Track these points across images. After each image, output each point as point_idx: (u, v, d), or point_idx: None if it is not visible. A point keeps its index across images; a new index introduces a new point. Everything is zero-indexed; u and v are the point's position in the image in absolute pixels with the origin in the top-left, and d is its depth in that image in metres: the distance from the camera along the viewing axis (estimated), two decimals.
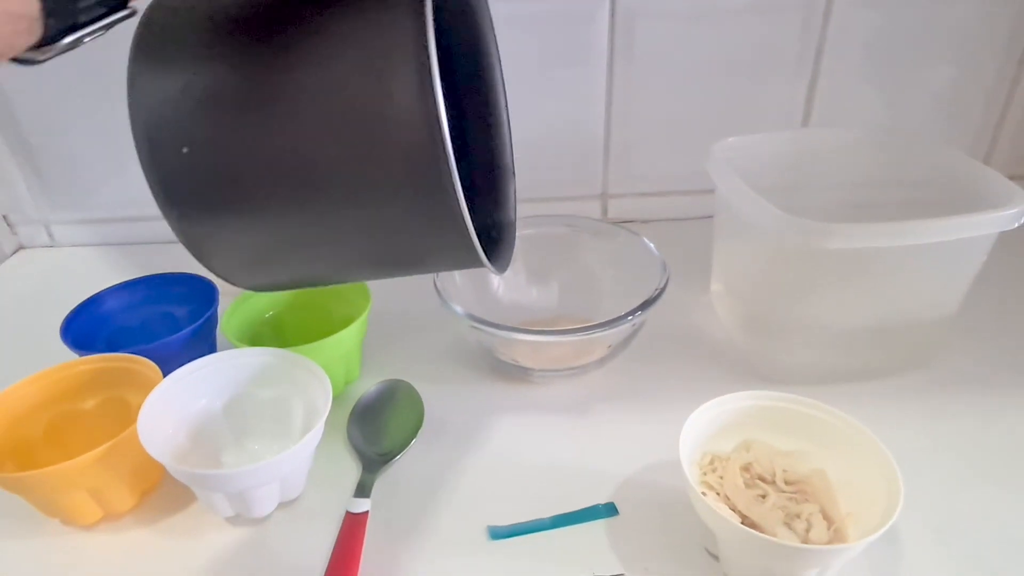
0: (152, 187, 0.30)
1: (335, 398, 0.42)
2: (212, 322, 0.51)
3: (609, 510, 0.42)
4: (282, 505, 0.42)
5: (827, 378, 0.50)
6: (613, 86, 0.67)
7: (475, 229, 0.28)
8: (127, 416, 0.43)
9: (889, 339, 0.49)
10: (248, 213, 0.29)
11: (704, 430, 0.39)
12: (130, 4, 0.26)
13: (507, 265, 0.37)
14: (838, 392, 0.45)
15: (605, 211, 0.74)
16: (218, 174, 0.28)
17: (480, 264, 0.31)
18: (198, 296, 0.52)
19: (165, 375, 0.43)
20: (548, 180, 0.72)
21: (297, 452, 0.39)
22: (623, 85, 0.67)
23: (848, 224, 0.42)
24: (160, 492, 0.44)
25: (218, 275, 0.34)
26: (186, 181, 0.29)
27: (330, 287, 0.53)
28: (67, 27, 0.24)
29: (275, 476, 0.39)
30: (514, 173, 0.43)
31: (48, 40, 0.23)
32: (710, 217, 0.57)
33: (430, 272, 0.35)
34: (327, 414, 0.40)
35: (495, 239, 0.39)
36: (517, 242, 0.58)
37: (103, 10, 0.25)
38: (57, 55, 0.24)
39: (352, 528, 0.40)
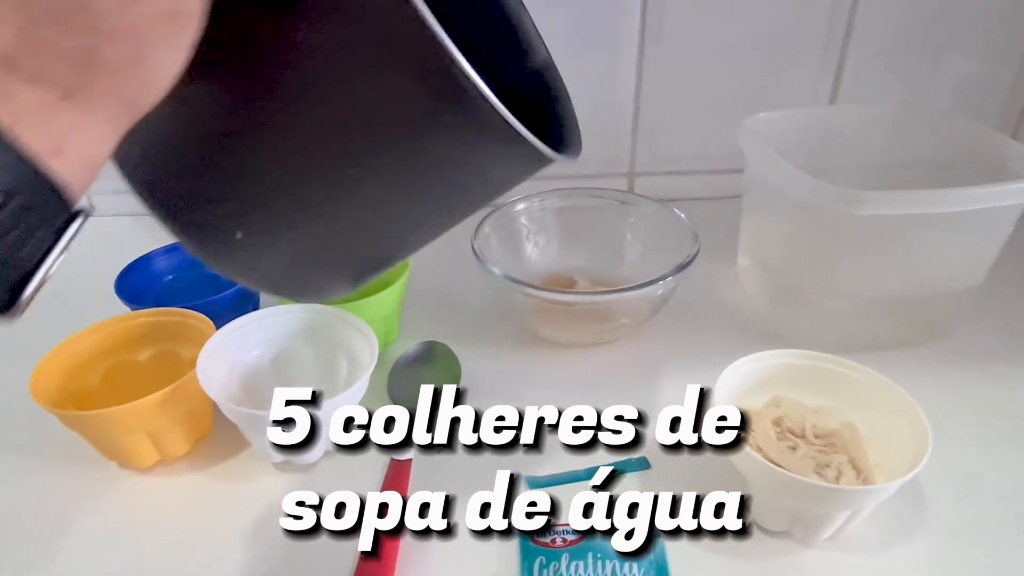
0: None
1: None
2: None
3: (641, 464, 0.43)
4: (328, 453, 0.44)
5: (851, 347, 0.50)
6: (643, 67, 0.68)
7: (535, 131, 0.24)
8: (178, 369, 0.45)
9: (914, 309, 0.51)
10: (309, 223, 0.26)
11: (736, 386, 0.41)
12: (74, 208, 0.21)
13: (579, 147, 0.33)
14: (862, 361, 0.46)
15: (631, 189, 0.76)
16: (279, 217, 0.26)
17: (544, 157, 0.27)
18: None
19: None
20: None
21: (347, 398, 0.41)
22: (653, 65, 0.68)
23: (879, 191, 0.43)
24: (212, 440, 0.46)
25: (317, 298, 0.31)
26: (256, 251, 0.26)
27: None
28: (19, 281, 0.20)
29: (325, 421, 0.41)
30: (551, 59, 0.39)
31: (7, 304, 0.20)
32: (735, 197, 0.59)
33: (505, 191, 0.32)
34: (373, 367, 0.42)
35: (560, 133, 0.35)
36: (552, 213, 0.59)
37: (51, 237, 0.20)
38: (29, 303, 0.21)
39: (397, 474, 0.42)
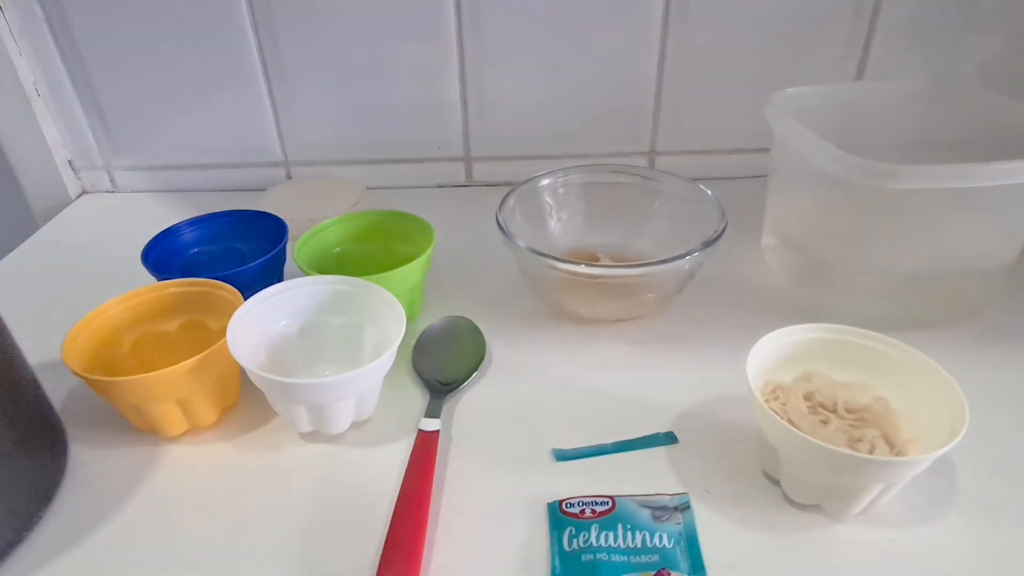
0: None
1: None
2: (281, 256, 0.53)
3: (669, 438, 0.43)
4: (355, 425, 0.44)
5: (880, 325, 0.50)
6: (667, 43, 0.67)
7: None
8: (206, 339, 0.45)
9: (944, 287, 0.50)
10: None
11: (766, 360, 0.40)
12: None
13: None
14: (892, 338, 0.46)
15: (653, 168, 0.75)
16: None
17: None
18: (267, 233, 0.55)
19: None
20: (597, 136, 0.73)
21: (374, 370, 0.41)
22: (676, 42, 0.67)
23: (911, 165, 0.43)
24: (239, 410, 0.46)
25: None
26: None
27: (395, 226, 0.55)
28: None
29: (353, 392, 0.41)
30: None
31: None
32: (757, 177, 0.58)
33: None
34: (400, 339, 0.42)
35: None
36: (576, 189, 0.59)
37: None
38: None
39: (425, 445, 0.42)
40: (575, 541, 0.36)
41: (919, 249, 0.48)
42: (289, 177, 0.76)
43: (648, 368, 0.49)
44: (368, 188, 0.71)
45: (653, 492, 0.39)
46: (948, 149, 0.56)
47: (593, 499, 0.39)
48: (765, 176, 0.59)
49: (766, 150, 0.57)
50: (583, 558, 0.35)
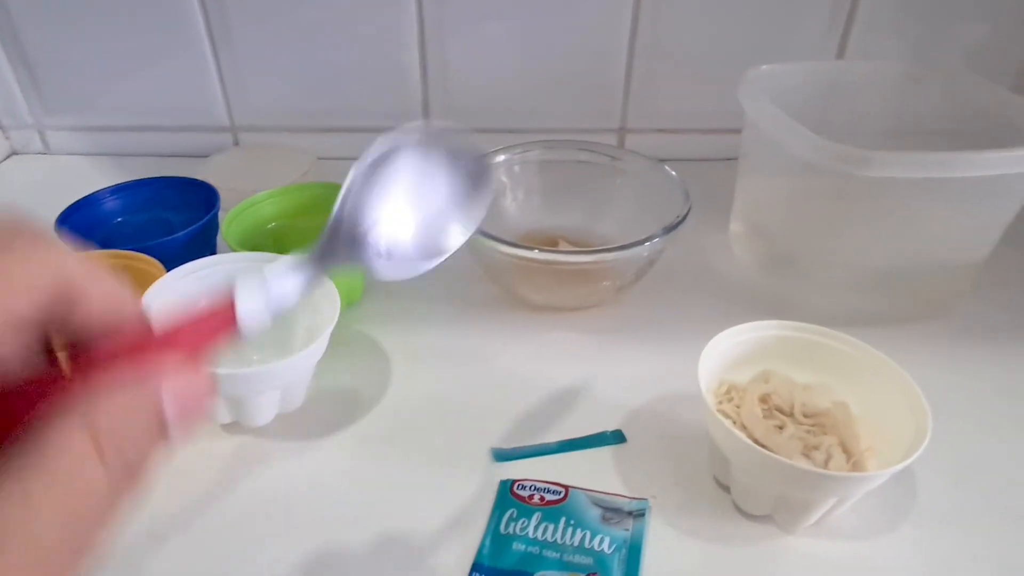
0: None
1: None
2: (212, 227, 0.49)
3: (617, 437, 0.40)
4: (280, 416, 0.41)
5: (848, 321, 0.47)
6: (639, 13, 0.64)
7: None
8: None
9: (915, 282, 0.48)
10: None
11: (722, 359, 0.38)
12: None
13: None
14: (858, 335, 0.43)
15: (622, 146, 0.71)
16: None
17: None
18: (198, 203, 0.50)
19: None
20: (563, 111, 0.69)
21: (300, 362, 0.37)
22: (649, 12, 0.63)
23: (887, 152, 0.40)
24: None
25: None
26: None
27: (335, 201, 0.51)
28: None
29: (276, 384, 0.38)
30: None
31: None
32: (729, 159, 0.55)
33: None
34: (333, 326, 0.39)
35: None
36: (534, 167, 0.55)
37: None
38: None
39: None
40: (513, 525, 0.35)
41: (891, 241, 0.46)
42: (237, 143, 0.71)
43: (599, 361, 0.46)
44: (320, 158, 0.67)
45: (612, 491, 0.37)
46: (929, 135, 0.54)
47: (547, 485, 0.37)
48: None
49: (739, 131, 0.54)
50: (514, 545, 0.34)
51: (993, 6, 0.63)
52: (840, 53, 0.66)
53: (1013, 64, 0.66)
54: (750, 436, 0.35)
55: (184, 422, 0.18)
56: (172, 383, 0.18)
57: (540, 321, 0.49)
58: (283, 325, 0.43)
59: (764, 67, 0.52)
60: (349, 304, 0.50)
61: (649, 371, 0.45)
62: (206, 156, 0.68)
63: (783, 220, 0.51)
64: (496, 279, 0.51)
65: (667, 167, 0.51)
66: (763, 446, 0.34)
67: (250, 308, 0.21)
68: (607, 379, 0.45)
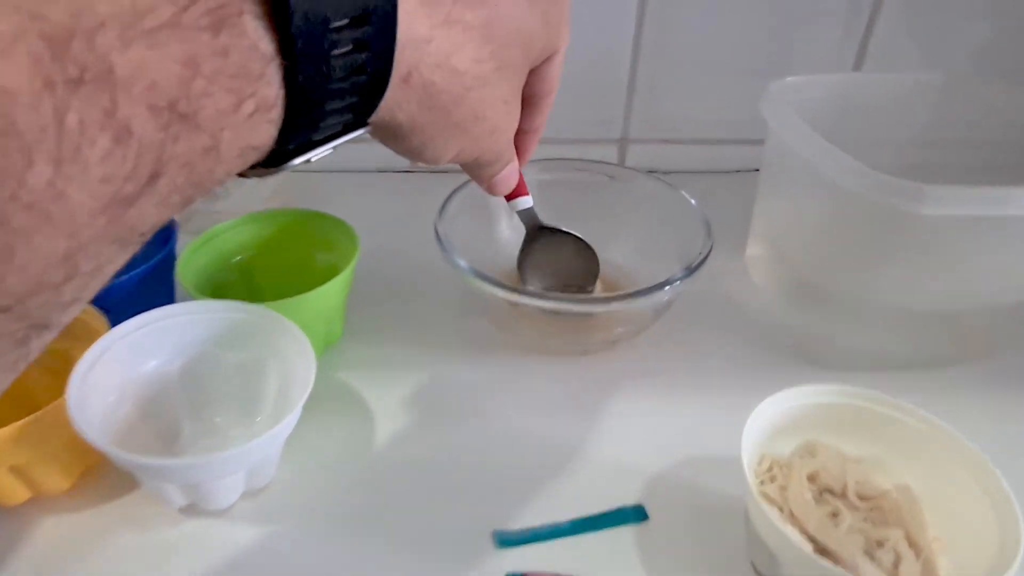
0: None
1: None
2: (169, 264, 0.43)
3: (638, 514, 0.35)
4: (247, 495, 0.35)
5: (883, 364, 0.43)
6: (644, 13, 0.58)
7: None
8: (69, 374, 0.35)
9: (959, 323, 0.43)
10: None
11: (761, 428, 0.32)
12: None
13: None
14: (893, 377, 0.39)
15: (623, 158, 0.66)
16: None
17: None
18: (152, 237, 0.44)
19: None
20: (560, 118, 0.63)
21: (271, 439, 0.31)
22: (655, 13, 0.58)
23: (944, 187, 0.35)
24: (103, 471, 0.36)
25: None
26: None
27: (314, 230, 0.45)
28: (302, 145, 0.21)
29: (241, 466, 0.32)
30: None
31: (277, 160, 0.20)
32: (740, 172, 0.50)
33: None
34: (309, 391, 0.33)
35: None
36: (532, 188, 0.50)
37: (340, 127, 0.21)
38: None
39: None
40: None
41: (936, 279, 0.41)
42: None
43: (612, 415, 0.41)
44: (291, 171, 0.60)
45: None
46: (961, 149, 0.49)
47: None
48: (751, 171, 0.50)
49: (752, 142, 0.49)
50: None
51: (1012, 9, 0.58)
52: (858, 60, 0.61)
53: None
54: (801, 529, 0.30)
55: None
56: None
57: (544, 366, 0.44)
58: (251, 382, 0.38)
59: (789, 79, 0.46)
60: (328, 345, 0.44)
61: (670, 428, 0.40)
62: None
63: (811, 248, 0.46)
64: (494, 321, 0.45)
65: (684, 193, 0.46)
66: (816, 539, 0.30)
67: None
68: (622, 438, 0.39)
